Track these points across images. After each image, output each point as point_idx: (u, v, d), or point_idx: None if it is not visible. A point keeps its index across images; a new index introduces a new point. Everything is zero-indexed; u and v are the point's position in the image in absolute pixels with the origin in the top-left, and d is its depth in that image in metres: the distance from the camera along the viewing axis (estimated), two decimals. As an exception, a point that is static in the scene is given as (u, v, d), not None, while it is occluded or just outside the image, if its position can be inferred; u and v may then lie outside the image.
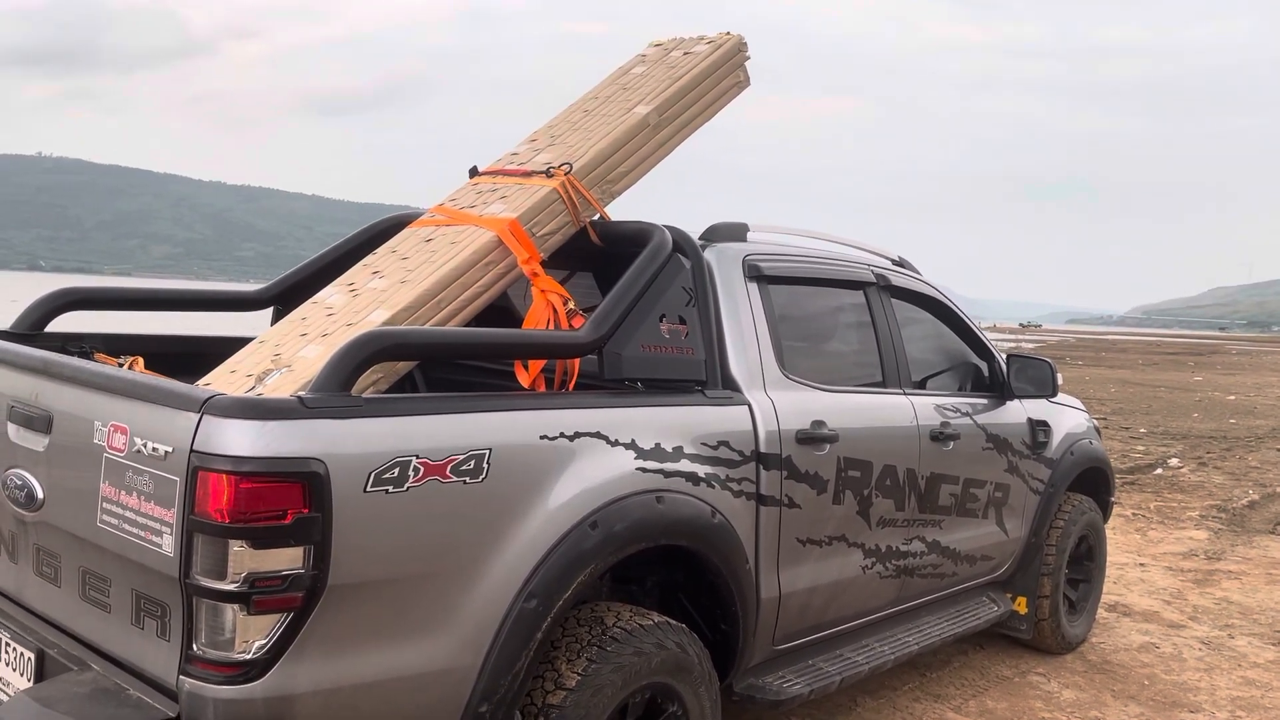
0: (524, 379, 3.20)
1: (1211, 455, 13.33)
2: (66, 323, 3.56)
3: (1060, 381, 4.89)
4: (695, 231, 3.62)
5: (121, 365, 3.17)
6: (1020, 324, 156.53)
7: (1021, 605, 5.08)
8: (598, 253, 3.63)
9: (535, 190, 3.45)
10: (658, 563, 3.32)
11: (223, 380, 3.02)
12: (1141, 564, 7.32)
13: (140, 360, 3.22)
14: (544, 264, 3.43)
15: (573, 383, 3.28)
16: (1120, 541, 8.01)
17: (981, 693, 4.70)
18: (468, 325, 3.26)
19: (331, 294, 3.32)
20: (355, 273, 3.41)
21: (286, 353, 3.03)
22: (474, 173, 3.78)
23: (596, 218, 3.59)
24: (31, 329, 3.38)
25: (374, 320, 3.04)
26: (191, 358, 3.40)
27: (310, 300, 3.35)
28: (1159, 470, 11.87)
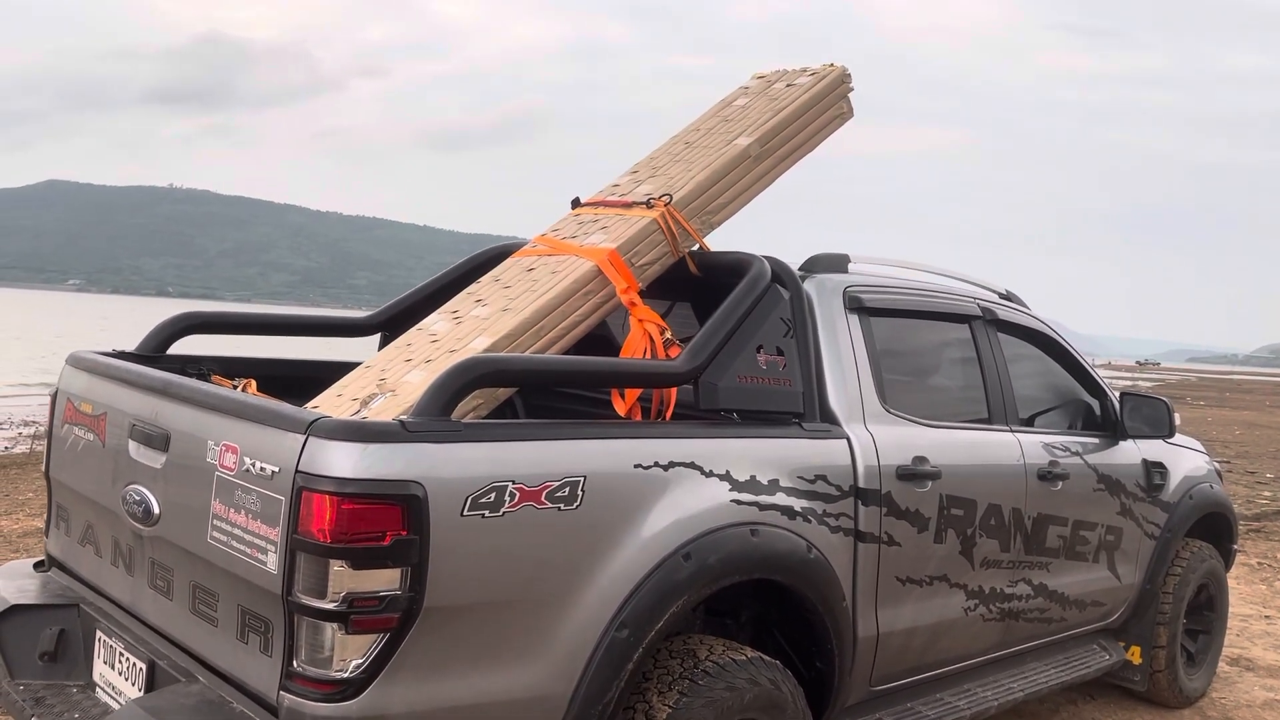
0: (620, 408, 3.21)
1: (1345, 503, 12.58)
2: (187, 346, 3.72)
3: (1177, 421, 4.69)
4: (797, 263, 3.59)
5: (236, 387, 3.29)
6: (1138, 361, 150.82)
7: (1135, 655, 4.86)
8: (697, 283, 3.63)
9: (635, 221, 3.48)
10: (752, 596, 3.29)
11: (329, 403, 3.11)
12: (1267, 616, 6.92)
13: (253, 383, 3.34)
14: (644, 294, 3.45)
15: (670, 413, 3.27)
16: (1244, 592, 7.60)
17: (1091, 746, 4.50)
18: (567, 353, 3.30)
19: (436, 321, 3.40)
20: (459, 300, 3.48)
21: (391, 377, 3.11)
22: (576, 204, 3.83)
23: (696, 248, 3.60)
24: (154, 351, 3.54)
25: (476, 347, 3.10)
26: (302, 381, 3.51)
27: (415, 327, 3.43)
28: (1287, 518, 11.25)
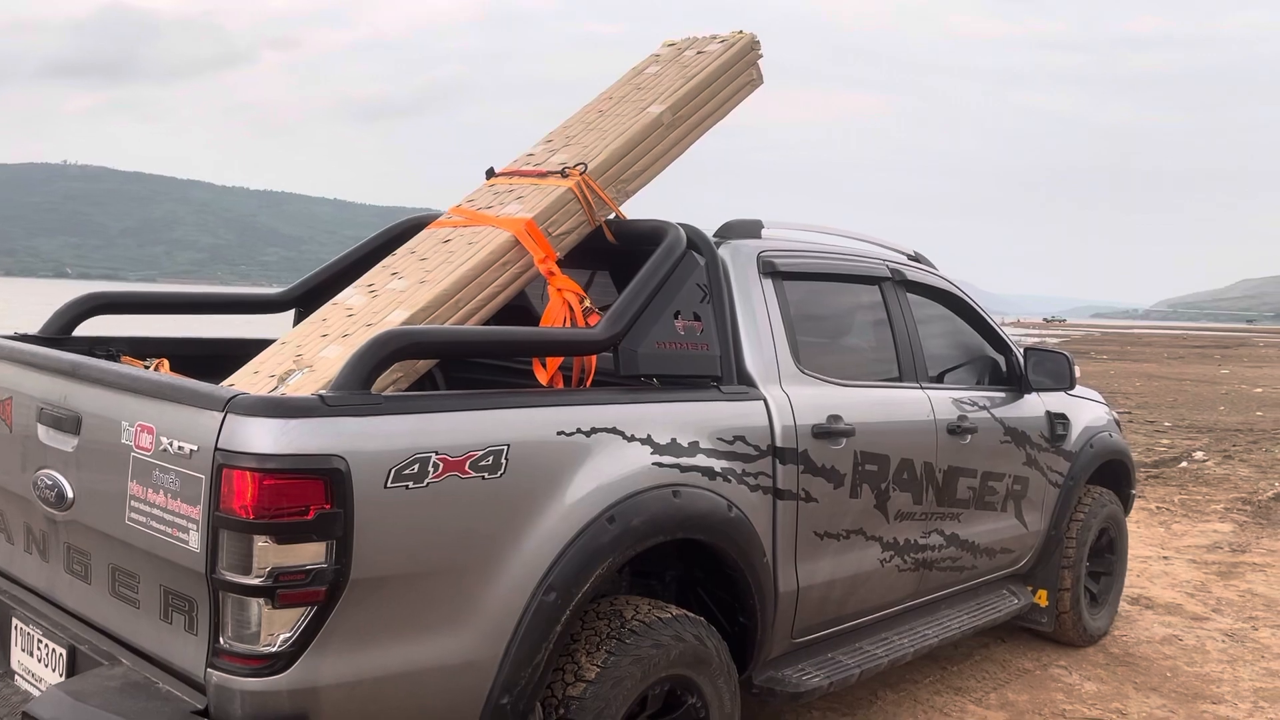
0: (542, 377, 3.24)
1: (1237, 448, 13.22)
2: (94, 327, 3.63)
3: (1077, 374, 4.89)
4: (713, 229, 3.65)
5: (148, 367, 3.24)
6: (1045, 319, 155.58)
7: (1042, 598, 5.08)
8: (615, 252, 3.66)
9: (551, 190, 3.49)
10: (676, 557, 3.36)
11: (246, 381, 3.08)
12: (1165, 557, 7.28)
13: (166, 362, 3.29)
14: (562, 263, 3.48)
15: (590, 380, 3.32)
16: (1144, 535, 7.97)
17: (1003, 685, 4.71)
18: (486, 324, 3.31)
19: (351, 295, 3.38)
20: (375, 274, 3.47)
21: (308, 353, 3.09)
22: (491, 174, 3.82)
23: (612, 217, 3.63)
24: (59, 333, 3.45)
25: (393, 320, 3.09)
26: (215, 360, 3.46)
27: (331, 302, 3.41)
28: (1184, 464, 11.80)
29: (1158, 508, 9.09)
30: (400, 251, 3.56)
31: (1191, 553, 7.44)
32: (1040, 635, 5.26)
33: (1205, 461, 12.00)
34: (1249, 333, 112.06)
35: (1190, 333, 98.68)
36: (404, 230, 3.93)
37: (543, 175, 3.60)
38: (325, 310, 3.37)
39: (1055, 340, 64.91)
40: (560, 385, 3.27)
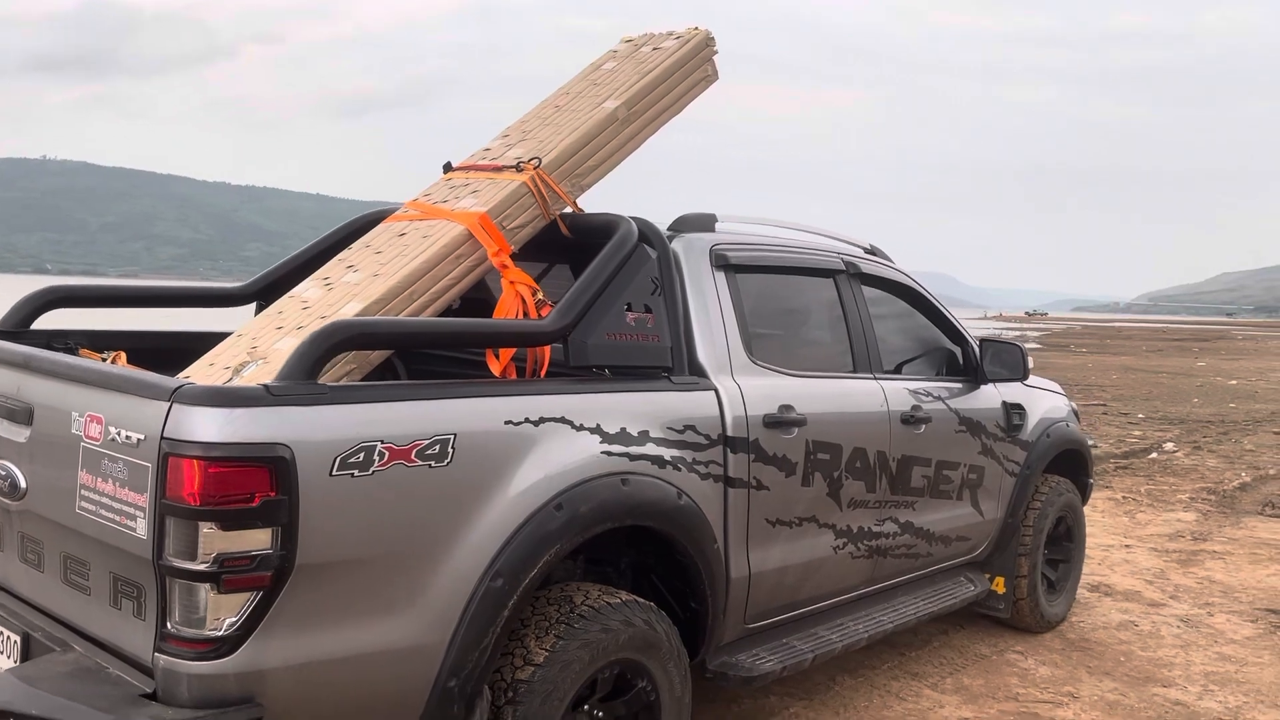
0: (495, 368, 3.30)
1: (1207, 439, 13.40)
2: (56, 321, 3.66)
3: (1031, 364, 4.98)
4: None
5: (105, 360, 3.27)
6: (1026, 312, 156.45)
7: (999, 585, 5.17)
8: (572, 245, 3.72)
9: (505, 185, 3.54)
10: (630, 544, 3.42)
11: (202, 373, 3.12)
12: (1127, 545, 7.40)
13: (123, 355, 3.33)
14: (522, 256, 3.53)
15: (544, 370, 3.37)
16: (1108, 524, 8.10)
17: (959, 670, 4.80)
18: (441, 316, 3.36)
19: (307, 288, 3.42)
20: (331, 267, 3.51)
21: (262, 345, 3.13)
22: (448, 168, 3.87)
23: (567, 210, 3.68)
24: (17, 326, 3.48)
25: (347, 313, 3.14)
26: (174, 353, 3.50)
27: (288, 295, 3.45)
28: (1154, 454, 11.95)
29: (1124, 497, 9.22)
30: (356, 245, 3.60)
31: (1154, 541, 7.56)
32: (999, 622, 5.36)
33: (1175, 452, 12.15)
34: (1228, 326, 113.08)
35: (1170, 326, 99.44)
36: (364, 224, 3.97)
37: (498, 170, 3.65)
38: (281, 303, 3.41)
39: (1036, 333, 65.38)
40: (514, 376, 3.33)
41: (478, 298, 3.62)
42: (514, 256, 3.52)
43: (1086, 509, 8.56)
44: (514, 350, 3.30)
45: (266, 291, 3.94)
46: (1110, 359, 34.56)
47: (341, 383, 3.01)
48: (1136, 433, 13.95)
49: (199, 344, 3.50)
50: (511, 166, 3.61)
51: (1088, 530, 7.74)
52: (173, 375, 2.90)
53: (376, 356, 3.24)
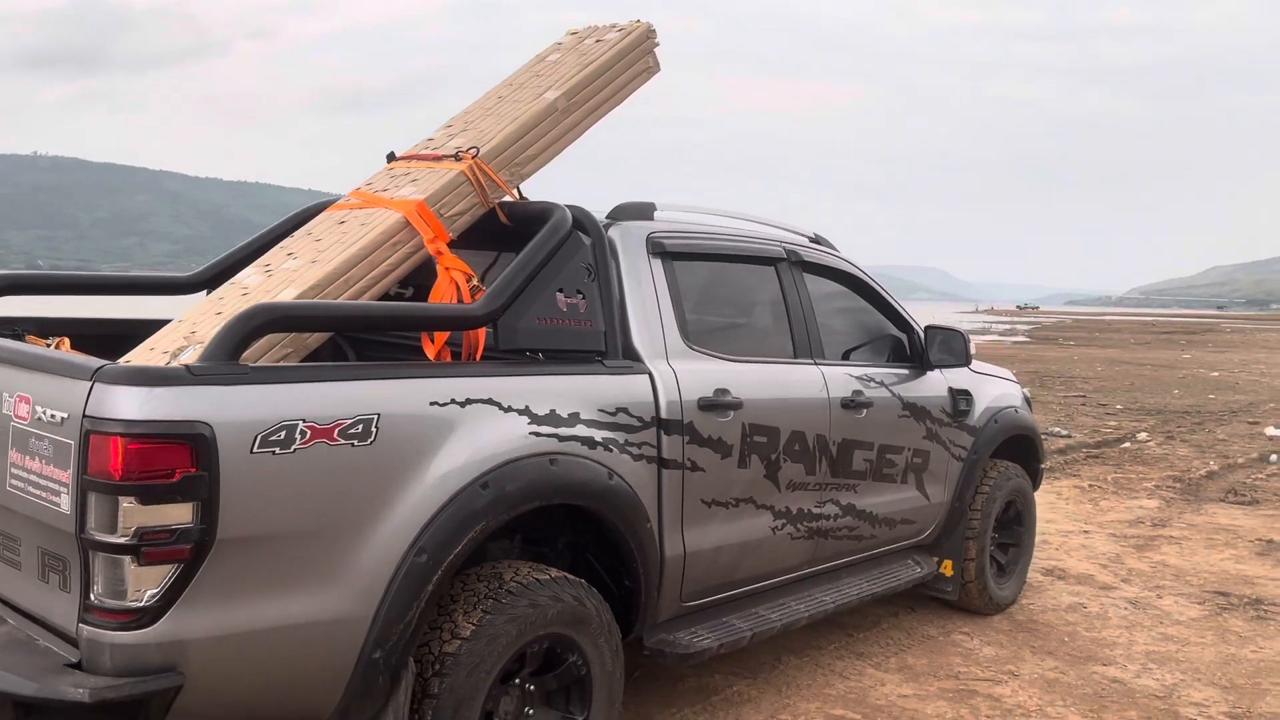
0: (429, 351, 3.38)
1: (1181, 429, 13.52)
2: (14, 307, 3.75)
3: (973, 350, 5.07)
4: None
5: (50, 345, 3.35)
6: (1018, 306, 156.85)
7: (947, 568, 5.27)
8: (515, 233, 3.80)
9: (444, 174, 3.63)
10: (567, 524, 3.51)
11: (142, 357, 3.21)
12: (1086, 531, 7.51)
13: (67, 340, 3.41)
14: (474, 245, 3.62)
15: (479, 354, 3.46)
16: (1070, 510, 8.21)
17: (904, 650, 4.90)
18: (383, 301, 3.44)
19: (248, 275, 3.51)
20: (272, 255, 3.60)
21: (201, 330, 3.22)
22: (391, 157, 3.95)
23: (506, 199, 3.77)
24: None
25: (284, 298, 3.22)
26: (119, 339, 3.58)
27: (230, 281, 3.53)
28: (1126, 444, 12.07)
29: (1090, 485, 9.34)
30: (299, 233, 3.69)
31: (1113, 527, 7.67)
32: (948, 604, 5.46)
33: (1148, 442, 12.28)
34: (1218, 319, 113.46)
35: (1160, 319, 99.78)
36: (312, 213, 4.05)
37: (438, 159, 3.73)
38: (223, 290, 3.50)
39: (1026, 327, 65.52)
40: (449, 359, 3.41)
41: (424, 285, 3.70)
42: (467, 245, 3.61)
43: (1051, 496, 8.72)
44: (447, 334, 3.38)
45: (217, 279, 4.01)
46: (1097, 352, 34.71)
47: (273, 364, 3.09)
48: (1112, 423, 14.08)
49: (144, 330, 3.57)
50: (451, 156, 3.69)
51: (1049, 517, 7.89)
52: (115, 359, 2.98)
53: (313, 340, 3.32)
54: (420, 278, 3.60)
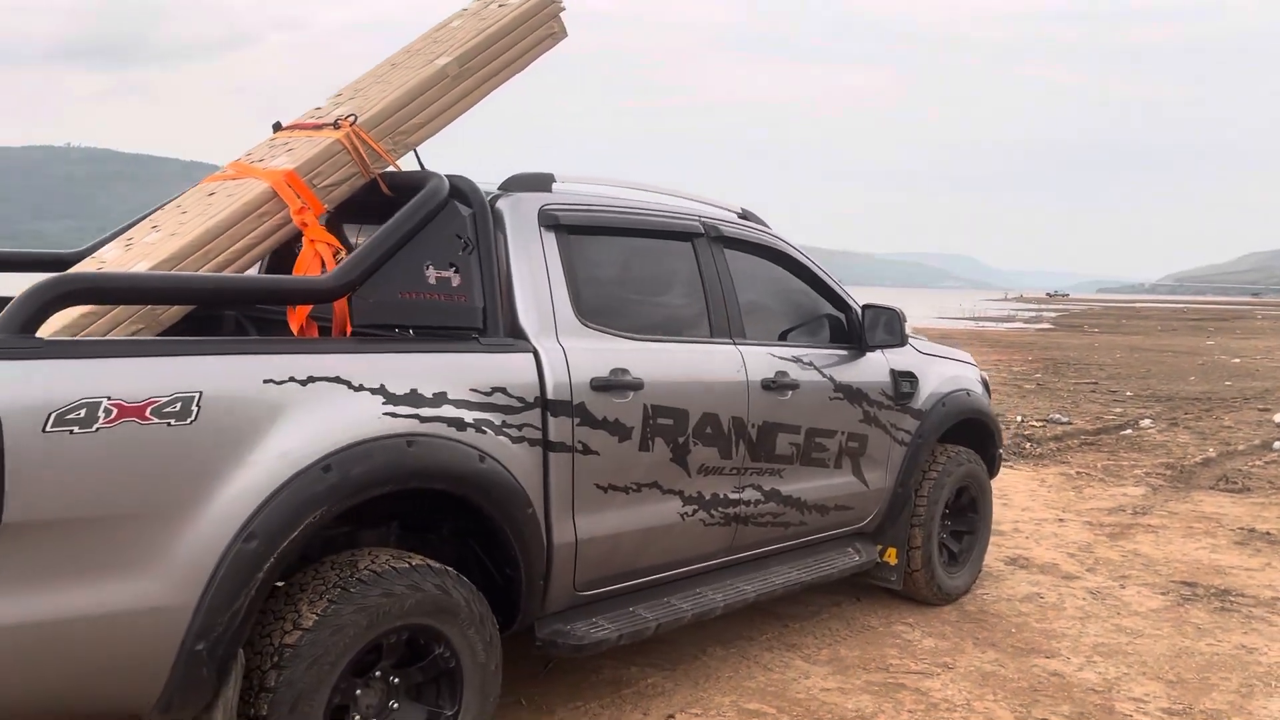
0: (292, 325, 3.23)
1: (1188, 416, 13.19)
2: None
3: (908, 330, 4.85)
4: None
5: None
6: (1048, 293, 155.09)
7: (891, 556, 5.06)
8: (398, 205, 3.63)
9: (319, 142, 3.47)
10: (451, 511, 3.34)
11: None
12: (1061, 519, 7.27)
13: None
14: (365, 218, 3.45)
15: (350, 330, 3.30)
16: (1050, 498, 7.96)
17: (839, 642, 4.70)
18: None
19: (110, 250, 3.37)
20: (138, 228, 3.45)
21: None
22: (277, 128, 3.80)
23: (389, 169, 3.60)
24: None
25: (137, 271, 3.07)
26: None
27: (91, 256, 3.40)
28: (1127, 431, 11.77)
29: (1078, 473, 9.08)
30: (169, 206, 3.55)
31: (1091, 515, 7.42)
32: (895, 594, 5.25)
33: (1149, 429, 11.97)
34: (1251, 305, 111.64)
35: (1192, 306, 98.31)
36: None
37: (318, 128, 3.57)
38: (84, 264, 3.36)
39: (1053, 314, 64.76)
40: (314, 334, 3.25)
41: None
42: (353, 217, 3.45)
43: (1034, 484, 8.48)
44: (309, 309, 3.22)
45: (101, 256, 3.88)
46: (1120, 338, 34.16)
47: (75, 338, 2.91)
48: (1117, 409, 13.76)
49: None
50: (330, 124, 3.53)
51: (1026, 505, 7.66)
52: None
53: (167, 316, 3.17)
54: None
